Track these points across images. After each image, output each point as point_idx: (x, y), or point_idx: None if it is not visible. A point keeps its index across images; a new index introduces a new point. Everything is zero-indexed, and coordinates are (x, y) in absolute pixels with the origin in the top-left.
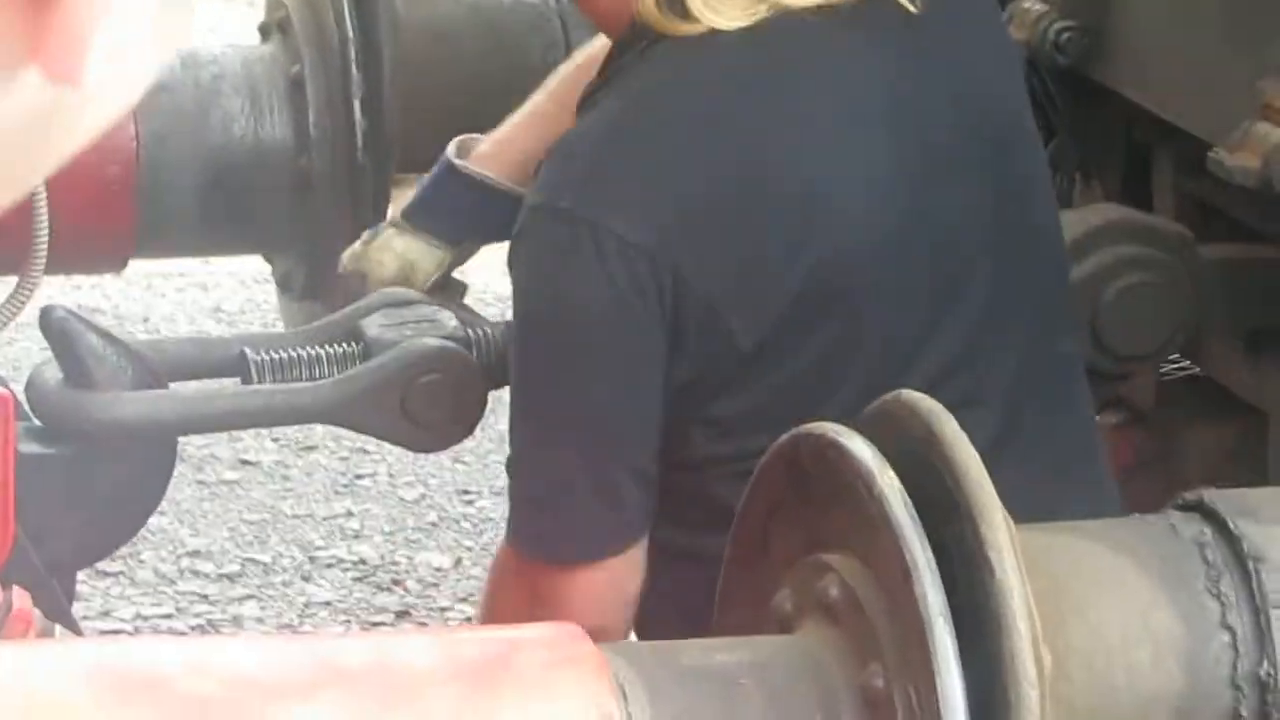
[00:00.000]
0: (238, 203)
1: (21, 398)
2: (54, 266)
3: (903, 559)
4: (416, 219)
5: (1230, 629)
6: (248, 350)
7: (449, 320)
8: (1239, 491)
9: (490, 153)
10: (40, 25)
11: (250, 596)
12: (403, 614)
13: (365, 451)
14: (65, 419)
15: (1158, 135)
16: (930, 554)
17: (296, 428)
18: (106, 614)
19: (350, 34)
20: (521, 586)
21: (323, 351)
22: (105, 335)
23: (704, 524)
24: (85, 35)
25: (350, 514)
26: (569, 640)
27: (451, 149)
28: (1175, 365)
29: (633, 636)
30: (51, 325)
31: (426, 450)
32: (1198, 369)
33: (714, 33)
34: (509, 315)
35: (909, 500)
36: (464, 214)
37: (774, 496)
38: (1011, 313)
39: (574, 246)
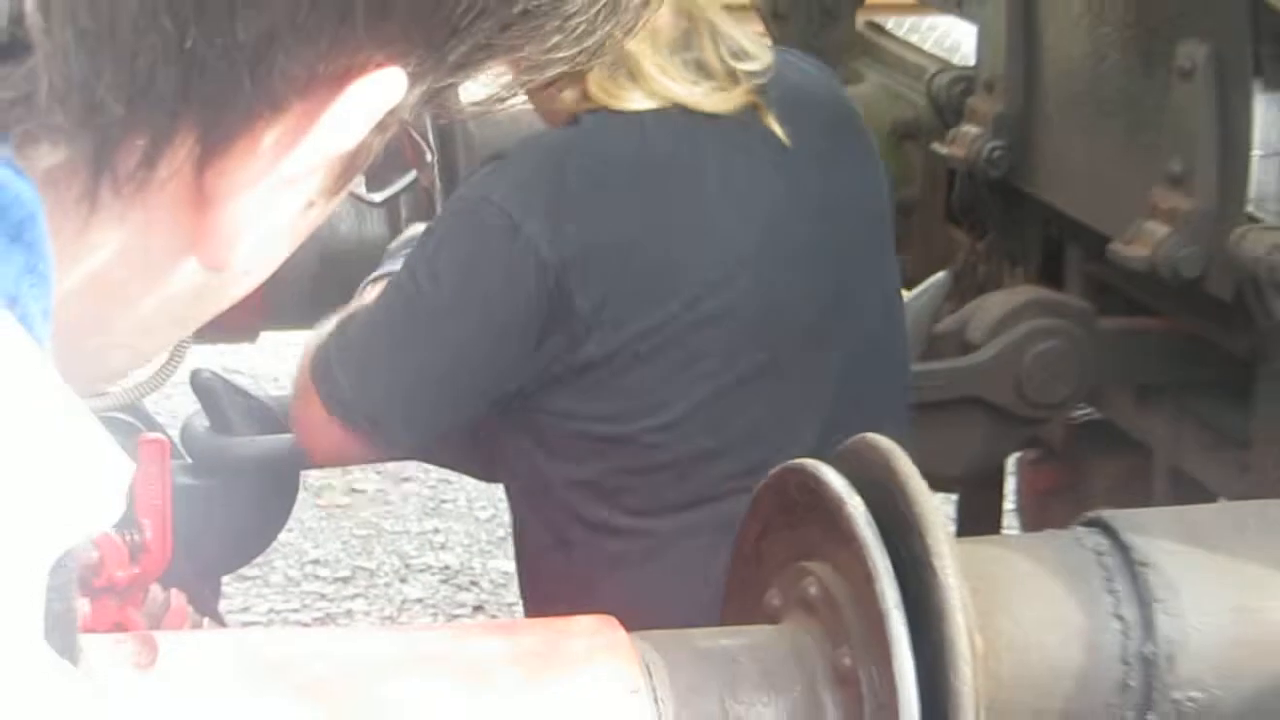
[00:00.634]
0: (344, 285)
1: (177, 441)
2: (199, 337)
3: (867, 565)
4: None
5: (1121, 618)
6: None
7: None
8: (1130, 511)
9: None
10: (200, 225)
11: (359, 595)
12: (478, 609)
13: (449, 481)
14: (211, 458)
15: (1069, 231)
16: (889, 561)
17: (394, 463)
18: (246, 609)
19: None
20: (311, 404)
21: None
22: (242, 392)
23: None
24: (237, 234)
25: (437, 530)
26: (606, 629)
27: None
28: (1082, 412)
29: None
30: (199, 384)
31: (493, 481)
32: (1099, 414)
33: (638, 113)
34: None
35: (872, 519)
36: None
37: (765, 519)
38: (823, 395)
39: (497, 229)
